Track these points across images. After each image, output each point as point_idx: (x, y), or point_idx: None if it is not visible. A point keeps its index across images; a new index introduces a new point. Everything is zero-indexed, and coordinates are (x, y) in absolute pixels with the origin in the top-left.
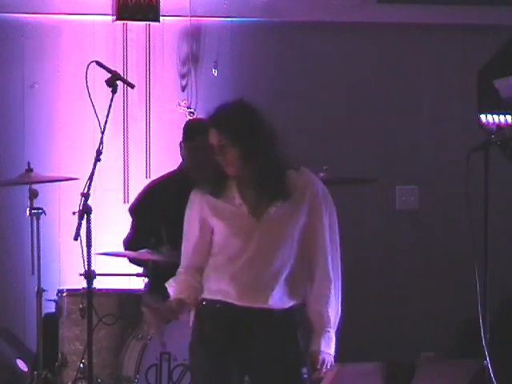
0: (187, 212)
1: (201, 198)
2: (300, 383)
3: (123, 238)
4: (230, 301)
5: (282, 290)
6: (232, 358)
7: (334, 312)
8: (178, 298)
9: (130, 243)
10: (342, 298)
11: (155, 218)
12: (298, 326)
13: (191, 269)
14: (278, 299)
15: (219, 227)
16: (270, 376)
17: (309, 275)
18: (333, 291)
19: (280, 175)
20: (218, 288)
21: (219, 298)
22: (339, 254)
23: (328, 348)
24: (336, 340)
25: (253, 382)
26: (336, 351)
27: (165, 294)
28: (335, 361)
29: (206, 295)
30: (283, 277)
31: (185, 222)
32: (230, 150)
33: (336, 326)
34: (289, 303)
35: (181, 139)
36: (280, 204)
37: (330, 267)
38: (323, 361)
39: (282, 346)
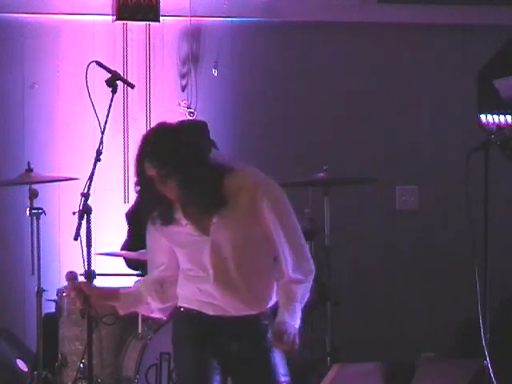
0: (147, 240)
1: (155, 227)
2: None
3: (121, 244)
4: (203, 311)
5: (254, 295)
6: (212, 357)
7: (301, 290)
8: (112, 291)
9: (127, 248)
10: (341, 298)
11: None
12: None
13: (151, 279)
14: (250, 306)
15: (178, 251)
16: (248, 380)
17: (277, 268)
18: (300, 276)
19: (215, 186)
20: (193, 298)
21: (194, 307)
22: (302, 237)
23: (292, 320)
24: (336, 340)
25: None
26: (336, 351)
27: None
28: (336, 361)
29: (183, 303)
30: (252, 282)
31: (147, 249)
32: (169, 178)
33: (303, 303)
34: (262, 308)
35: None
36: (221, 212)
37: (294, 254)
38: (287, 331)
39: (256, 351)
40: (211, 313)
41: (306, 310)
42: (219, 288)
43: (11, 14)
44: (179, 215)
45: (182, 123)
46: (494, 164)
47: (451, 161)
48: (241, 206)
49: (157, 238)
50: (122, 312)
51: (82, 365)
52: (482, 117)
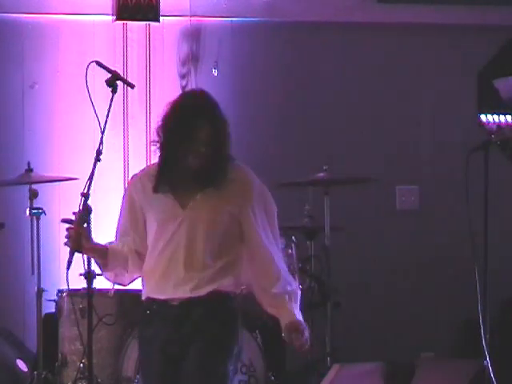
0: (123, 206)
1: (136, 188)
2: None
3: None
4: (162, 297)
5: (211, 277)
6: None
7: (296, 290)
8: (101, 247)
9: None
10: (341, 299)
11: None
12: (228, 312)
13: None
14: (204, 287)
15: (150, 218)
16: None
17: (255, 269)
18: (284, 284)
19: (223, 164)
20: (155, 286)
21: (155, 296)
22: (281, 253)
23: (301, 317)
24: (336, 340)
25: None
26: (336, 351)
27: None
28: (336, 361)
29: (149, 294)
30: (214, 264)
31: (120, 211)
32: (209, 142)
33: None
34: (208, 289)
35: None
36: (209, 191)
37: (277, 261)
38: (305, 329)
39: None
40: (169, 296)
41: (306, 310)
42: (176, 267)
43: (11, 14)
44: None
45: None
46: (494, 164)
47: (451, 161)
48: (230, 194)
49: (136, 204)
50: (106, 270)
51: (81, 365)
52: (482, 117)
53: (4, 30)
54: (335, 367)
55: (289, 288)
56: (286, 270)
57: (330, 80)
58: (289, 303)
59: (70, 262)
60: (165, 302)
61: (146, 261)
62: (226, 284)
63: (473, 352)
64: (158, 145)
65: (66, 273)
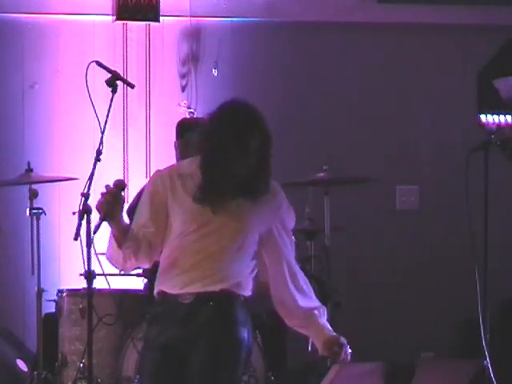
0: (143, 196)
1: (164, 185)
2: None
3: None
4: (175, 292)
5: (230, 278)
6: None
7: (323, 310)
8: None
9: None
10: (341, 299)
11: None
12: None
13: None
14: (218, 284)
15: (176, 217)
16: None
17: (278, 285)
18: (310, 300)
19: (268, 178)
20: (175, 282)
21: (174, 291)
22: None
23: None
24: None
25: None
26: None
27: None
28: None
29: (164, 289)
30: (236, 271)
31: (139, 205)
32: (256, 155)
33: None
34: (221, 286)
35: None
36: (242, 200)
37: (299, 278)
38: (344, 341)
39: (216, 337)
40: (181, 291)
41: None
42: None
43: (11, 14)
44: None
45: None
46: (494, 164)
47: (451, 161)
48: (262, 208)
49: (161, 201)
50: (119, 248)
51: (81, 365)
52: (482, 117)
53: (4, 30)
54: (335, 367)
55: (316, 304)
56: (309, 286)
57: (330, 80)
58: (320, 319)
59: (98, 227)
60: (176, 296)
61: (166, 255)
62: (242, 287)
63: (473, 352)
64: (202, 154)
65: (92, 236)
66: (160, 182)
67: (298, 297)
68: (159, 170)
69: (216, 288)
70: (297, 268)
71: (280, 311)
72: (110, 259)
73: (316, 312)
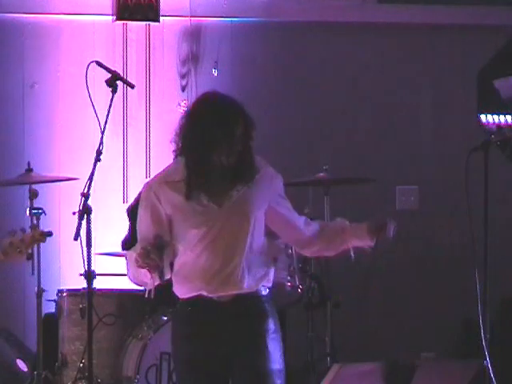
0: (145, 216)
1: (158, 194)
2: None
3: (121, 239)
4: (203, 293)
5: (249, 274)
6: (210, 348)
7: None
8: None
9: (128, 243)
10: (341, 299)
11: None
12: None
13: None
14: (247, 284)
15: (183, 224)
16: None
17: (304, 234)
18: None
19: (253, 160)
20: (192, 286)
21: (192, 294)
22: None
23: None
24: (336, 340)
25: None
26: (336, 351)
27: (165, 293)
28: (336, 361)
29: (180, 296)
30: (248, 260)
31: (139, 222)
32: (241, 140)
33: None
34: (256, 286)
35: None
36: (241, 187)
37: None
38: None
39: (254, 329)
40: (209, 294)
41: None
42: (213, 264)
43: (11, 14)
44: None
45: None
46: (494, 164)
47: (451, 161)
48: (259, 187)
49: (160, 213)
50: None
51: (81, 365)
52: (482, 117)
53: (4, 30)
54: (335, 367)
55: (331, 223)
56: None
57: (330, 80)
58: (346, 224)
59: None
60: (211, 299)
61: (183, 263)
62: (268, 278)
63: (473, 352)
64: (180, 150)
65: None
66: (153, 194)
67: (317, 234)
68: (150, 183)
69: (245, 286)
70: (302, 220)
71: (311, 251)
72: (133, 280)
73: (341, 225)
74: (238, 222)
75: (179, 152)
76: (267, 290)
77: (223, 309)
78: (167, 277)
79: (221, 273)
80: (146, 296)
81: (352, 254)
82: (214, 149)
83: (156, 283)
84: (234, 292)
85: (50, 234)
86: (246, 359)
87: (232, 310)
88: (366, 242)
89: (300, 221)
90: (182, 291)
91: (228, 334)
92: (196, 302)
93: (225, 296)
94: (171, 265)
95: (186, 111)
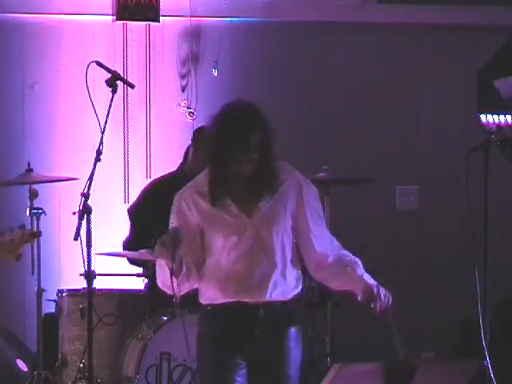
0: (172, 217)
1: (188, 203)
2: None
3: (123, 240)
4: (237, 299)
5: (280, 282)
6: (240, 355)
7: (358, 262)
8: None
9: (129, 244)
10: (341, 299)
11: (152, 219)
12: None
13: None
14: (278, 291)
15: (213, 231)
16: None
17: (318, 256)
18: (346, 253)
19: (274, 170)
20: (225, 291)
21: (226, 300)
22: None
23: (372, 280)
24: (336, 340)
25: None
26: (336, 351)
27: (165, 294)
28: (336, 361)
29: (210, 300)
30: (280, 269)
31: (170, 226)
32: (260, 149)
33: None
34: (288, 295)
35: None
36: (268, 198)
37: (333, 240)
38: (378, 289)
39: (283, 337)
40: (240, 299)
41: (306, 310)
42: (243, 273)
43: (11, 14)
44: (225, 197)
45: None
46: (494, 164)
47: (451, 161)
48: (285, 196)
49: (189, 222)
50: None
51: (81, 365)
52: (482, 117)
53: (4, 30)
54: (335, 367)
55: (350, 258)
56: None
57: (330, 80)
58: (356, 270)
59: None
60: (245, 304)
61: (216, 269)
62: (298, 287)
63: (473, 352)
64: (210, 159)
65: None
66: (184, 203)
67: (333, 256)
68: (180, 193)
69: (276, 294)
70: (328, 237)
71: (318, 277)
72: (162, 286)
73: (348, 267)
74: (268, 233)
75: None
76: (296, 297)
77: (255, 314)
78: (194, 285)
79: (255, 281)
80: (174, 301)
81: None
82: (230, 159)
83: (179, 288)
84: (266, 300)
85: (39, 234)
86: (268, 363)
87: (262, 315)
88: (356, 294)
89: (322, 240)
90: (214, 296)
91: (255, 337)
92: (227, 307)
93: (257, 303)
94: (197, 270)
95: (212, 119)
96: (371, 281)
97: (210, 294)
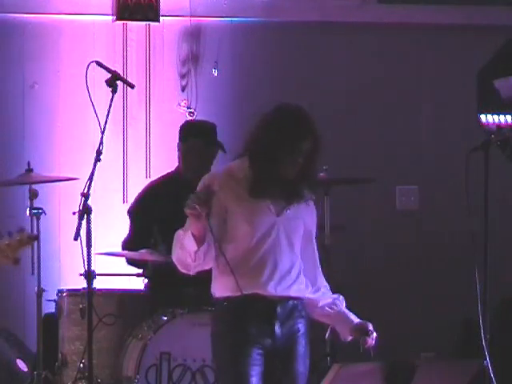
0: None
1: (222, 184)
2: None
3: (122, 240)
4: (258, 292)
5: (299, 280)
6: (260, 347)
7: (342, 300)
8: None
9: (128, 244)
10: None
11: (152, 219)
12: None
13: None
14: (296, 289)
15: (238, 218)
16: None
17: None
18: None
19: (315, 179)
20: (247, 283)
21: (248, 292)
22: None
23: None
24: (336, 339)
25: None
26: (336, 351)
27: (165, 294)
28: (336, 361)
29: (227, 293)
30: (298, 268)
31: None
32: (308, 155)
33: None
34: (303, 294)
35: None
36: (294, 205)
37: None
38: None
39: (298, 333)
40: (262, 292)
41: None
42: (264, 267)
43: (11, 14)
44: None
45: None
46: (494, 164)
47: (451, 161)
48: (307, 209)
49: (220, 204)
50: (198, 248)
51: (81, 365)
52: (482, 117)
53: (4, 30)
54: (335, 367)
55: (335, 295)
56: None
57: (330, 80)
58: (342, 308)
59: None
60: (264, 297)
61: (235, 259)
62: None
63: (473, 352)
64: (252, 153)
65: None
66: (217, 182)
67: (321, 292)
68: (211, 173)
69: (298, 290)
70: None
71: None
72: (177, 260)
73: (337, 302)
74: (292, 234)
75: (247, 153)
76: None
77: (273, 308)
78: (207, 265)
79: (278, 275)
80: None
81: (327, 334)
82: (277, 160)
83: (196, 265)
84: (286, 295)
85: (36, 237)
86: (283, 359)
87: (280, 310)
88: (344, 335)
89: (312, 276)
90: (232, 288)
91: (273, 332)
92: (247, 298)
93: (275, 297)
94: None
95: (267, 114)
96: (359, 320)
97: (228, 285)
